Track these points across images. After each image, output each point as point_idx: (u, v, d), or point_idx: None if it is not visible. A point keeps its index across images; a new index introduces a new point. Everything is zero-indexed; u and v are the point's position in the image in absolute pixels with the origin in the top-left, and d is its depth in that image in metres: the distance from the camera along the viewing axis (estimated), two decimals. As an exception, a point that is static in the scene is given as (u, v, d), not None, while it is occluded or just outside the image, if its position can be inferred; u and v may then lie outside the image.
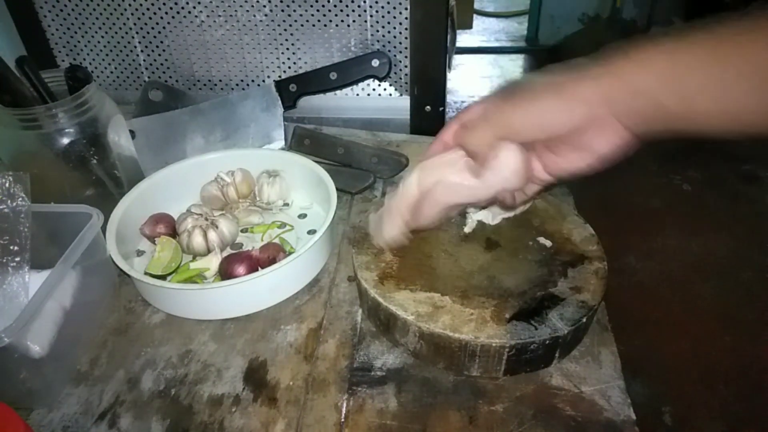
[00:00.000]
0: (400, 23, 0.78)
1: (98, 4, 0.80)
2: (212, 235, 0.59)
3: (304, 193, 0.69)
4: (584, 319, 0.47)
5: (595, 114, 0.35)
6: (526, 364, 0.47)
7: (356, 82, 0.80)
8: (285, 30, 0.80)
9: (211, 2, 0.78)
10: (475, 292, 0.50)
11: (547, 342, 0.46)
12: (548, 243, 0.55)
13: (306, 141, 0.74)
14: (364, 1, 0.77)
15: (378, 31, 0.79)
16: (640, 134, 0.37)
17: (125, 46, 0.84)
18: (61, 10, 0.82)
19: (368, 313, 0.54)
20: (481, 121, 0.40)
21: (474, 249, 0.55)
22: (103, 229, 0.55)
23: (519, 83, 0.39)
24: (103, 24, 0.82)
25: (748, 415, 0.67)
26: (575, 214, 0.59)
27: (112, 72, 0.87)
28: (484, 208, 0.56)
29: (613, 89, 0.34)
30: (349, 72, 0.78)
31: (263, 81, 0.85)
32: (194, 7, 0.79)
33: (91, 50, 0.85)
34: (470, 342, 0.46)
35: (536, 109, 0.37)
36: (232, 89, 0.86)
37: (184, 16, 0.80)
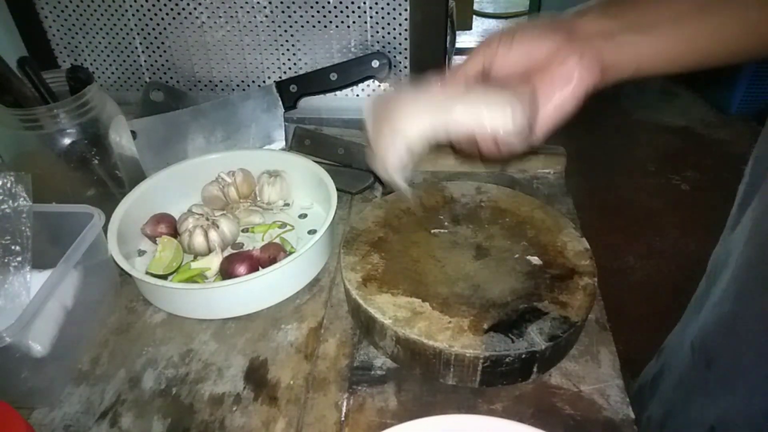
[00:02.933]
0: (400, 24, 0.78)
1: (99, 5, 0.81)
2: (213, 235, 0.60)
3: (305, 193, 0.69)
4: (564, 335, 0.46)
5: (569, 38, 0.39)
6: (502, 376, 0.46)
7: (356, 82, 0.80)
8: (285, 31, 0.80)
9: (211, 3, 0.79)
10: (457, 300, 0.49)
11: (524, 356, 0.45)
12: (538, 261, 0.53)
13: (306, 141, 0.74)
14: (364, 3, 0.77)
15: (378, 32, 0.79)
16: (607, 63, 0.40)
17: (126, 47, 0.84)
18: (62, 11, 0.82)
19: (351, 314, 0.54)
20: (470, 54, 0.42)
21: (463, 256, 0.54)
22: (105, 229, 0.55)
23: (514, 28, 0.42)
24: (105, 25, 0.82)
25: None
26: (573, 226, 0.57)
27: (113, 73, 0.87)
28: None
29: (584, 19, 0.40)
30: (350, 73, 0.78)
31: (264, 82, 0.85)
32: (195, 8, 0.79)
33: (93, 51, 0.85)
34: (444, 350, 0.45)
35: (515, 36, 0.41)
36: (233, 90, 0.86)
37: (185, 17, 0.80)
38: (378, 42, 0.80)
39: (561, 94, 0.40)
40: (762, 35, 0.41)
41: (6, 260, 0.49)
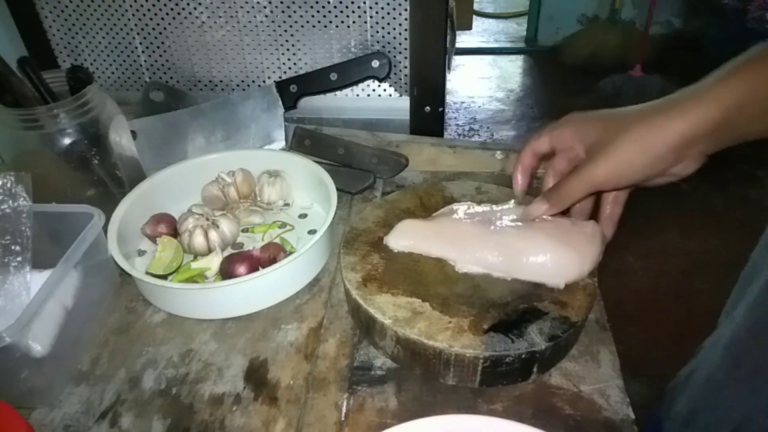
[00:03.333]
0: (400, 24, 0.78)
1: (99, 5, 0.81)
2: (213, 235, 0.60)
3: (305, 193, 0.69)
4: (564, 335, 0.46)
5: (676, 158, 0.40)
6: (502, 376, 0.46)
7: (356, 82, 0.80)
8: (285, 31, 0.80)
9: (211, 3, 0.79)
10: (457, 300, 0.49)
11: (524, 356, 0.45)
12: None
13: (306, 141, 0.74)
14: (364, 2, 0.77)
15: (378, 32, 0.79)
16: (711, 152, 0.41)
17: (126, 47, 0.84)
18: (62, 11, 0.82)
19: (351, 314, 0.54)
20: (573, 176, 0.44)
21: None
22: (105, 229, 0.55)
23: (608, 116, 0.43)
24: (104, 25, 0.82)
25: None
26: None
27: (113, 73, 0.87)
28: None
29: (697, 130, 0.38)
30: (350, 73, 0.78)
31: (264, 82, 0.85)
32: (195, 8, 0.79)
33: (92, 51, 0.85)
34: (444, 350, 0.45)
35: (620, 162, 0.41)
36: (233, 90, 0.86)
37: (185, 17, 0.80)
38: (378, 42, 0.80)
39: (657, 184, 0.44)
40: None
41: (6, 260, 0.49)
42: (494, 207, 0.55)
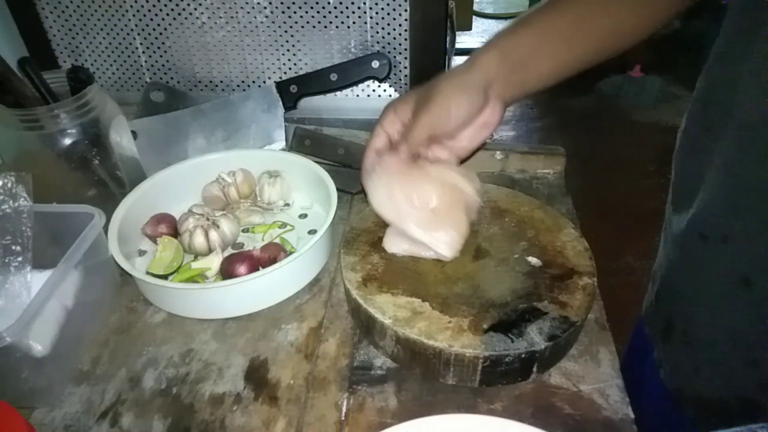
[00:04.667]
0: (400, 25, 0.78)
1: (100, 6, 0.81)
2: (213, 235, 0.60)
3: (305, 193, 0.69)
4: (564, 335, 0.46)
5: (486, 96, 0.49)
6: (502, 376, 0.46)
7: (356, 83, 0.80)
8: (286, 32, 0.80)
9: (212, 4, 0.79)
10: (457, 300, 0.49)
11: (523, 356, 0.45)
12: (537, 261, 0.53)
13: (306, 141, 0.74)
14: (364, 3, 0.77)
15: (378, 32, 0.79)
16: (509, 101, 0.52)
17: (127, 47, 0.84)
18: (63, 11, 0.82)
19: (351, 314, 0.54)
20: (414, 123, 0.50)
21: (462, 257, 0.54)
22: (105, 229, 0.55)
23: (428, 85, 0.50)
24: (105, 25, 0.82)
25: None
26: (572, 226, 0.57)
27: (113, 73, 0.87)
28: None
29: (490, 75, 0.49)
30: (350, 73, 0.78)
31: (264, 82, 0.85)
32: (195, 9, 0.80)
33: (93, 51, 0.85)
34: (444, 350, 0.45)
35: (445, 101, 0.49)
36: (234, 90, 0.86)
37: (186, 18, 0.81)
38: (378, 42, 0.80)
39: (483, 137, 0.52)
40: (624, 33, 0.52)
41: (7, 260, 0.49)
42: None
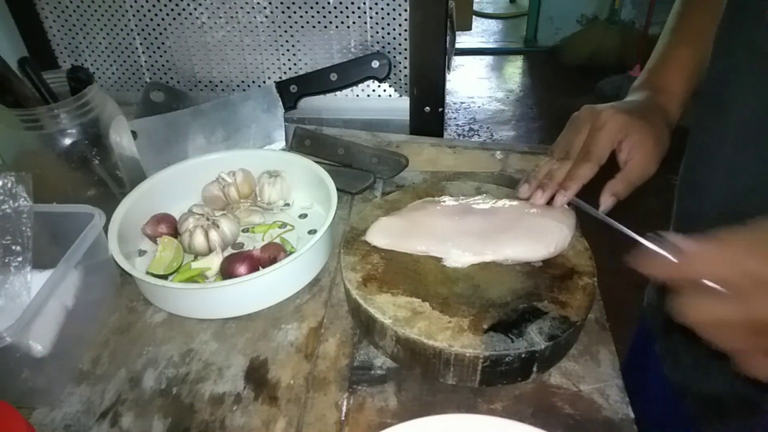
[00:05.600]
0: (400, 25, 0.78)
1: (100, 6, 0.81)
2: (213, 235, 0.60)
3: (305, 193, 0.69)
4: (564, 335, 0.46)
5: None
6: (502, 376, 0.46)
7: (356, 83, 0.80)
8: (285, 32, 0.80)
9: (212, 4, 0.79)
10: (457, 300, 0.49)
11: (523, 356, 0.45)
12: (537, 262, 0.53)
13: (306, 141, 0.74)
14: (364, 3, 0.77)
15: (378, 32, 0.79)
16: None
17: (127, 48, 0.84)
18: (63, 12, 0.82)
19: (351, 314, 0.54)
20: (625, 175, 0.54)
21: None
22: (105, 229, 0.55)
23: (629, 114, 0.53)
24: (105, 25, 0.82)
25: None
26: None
27: (113, 73, 0.87)
28: None
29: (669, 120, 0.55)
30: (350, 73, 0.78)
31: (264, 82, 0.85)
32: (195, 9, 0.80)
33: (93, 51, 0.85)
34: (444, 350, 0.45)
35: (649, 158, 0.53)
36: (234, 90, 0.86)
37: (186, 18, 0.81)
38: (378, 42, 0.80)
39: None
40: None
41: (7, 260, 0.49)
42: (462, 200, 0.58)
